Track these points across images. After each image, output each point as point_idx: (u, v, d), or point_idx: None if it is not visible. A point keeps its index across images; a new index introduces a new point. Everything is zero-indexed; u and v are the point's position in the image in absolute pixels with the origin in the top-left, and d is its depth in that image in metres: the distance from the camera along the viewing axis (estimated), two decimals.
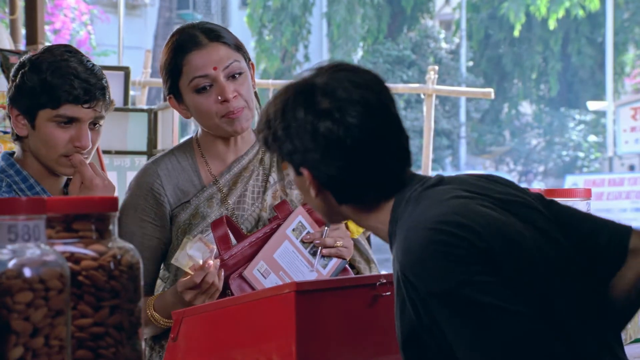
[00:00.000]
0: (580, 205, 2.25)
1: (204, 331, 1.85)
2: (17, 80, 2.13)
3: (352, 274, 2.21)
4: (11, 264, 1.10)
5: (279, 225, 2.14)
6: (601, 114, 22.31)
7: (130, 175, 4.55)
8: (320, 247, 2.13)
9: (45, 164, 2.15)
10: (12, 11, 5.35)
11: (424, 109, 6.27)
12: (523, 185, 1.68)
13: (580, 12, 19.59)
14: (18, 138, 2.17)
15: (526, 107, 25.19)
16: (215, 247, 2.05)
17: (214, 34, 2.18)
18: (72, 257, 1.25)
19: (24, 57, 2.18)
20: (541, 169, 24.49)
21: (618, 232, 1.57)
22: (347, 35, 20.74)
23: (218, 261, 2.04)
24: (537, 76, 23.63)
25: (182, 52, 2.17)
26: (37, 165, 2.16)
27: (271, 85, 5.91)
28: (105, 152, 4.38)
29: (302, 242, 2.14)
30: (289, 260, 2.12)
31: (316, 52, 22.11)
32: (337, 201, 1.56)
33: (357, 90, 1.51)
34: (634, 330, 2.34)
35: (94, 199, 1.31)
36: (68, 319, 1.17)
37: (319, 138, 1.49)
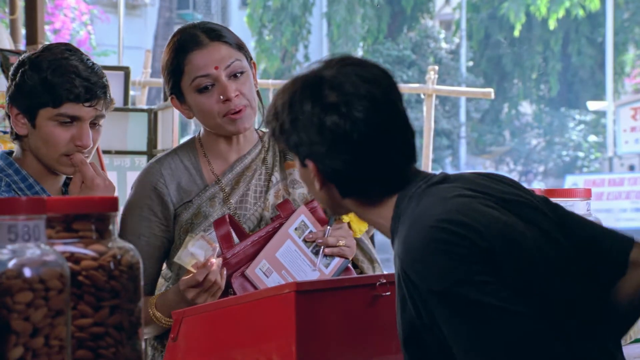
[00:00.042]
0: (580, 205, 2.25)
1: (204, 331, 1.85)
2: (17, 79, 2.12)
3: (354, 274, 2.21)
4: (11, 264, 1.10)
5: (281, 224, 2.15)
6: (601, 114, 22.30)
7: (130, 175, 4.57)
8: (322, 247, 2.14)
9: (46, 163, 2.14)
10: (12, 11, 5.35)
11: (424, 109, 6.27)
12: (523, 185, 1.67)
13: (581, 12, 19.59)
14: (17, 137, 2.16)
15: (526, 107, 25.18)
16: (217, 245, 2.05)
17: (215, 34, 2.18)
18: (72, 257, 1.25)
19: (24, 56, 2.16)
20: (541, 169, 24.48)
21: (620, 242, 1.57)
22: (347, 35, 20.74)
23: (220, 259, 2.04)
24: (537, 76, 23.62)
25: (184, 52, 2.17)
26: (36, 165, 2.15)
27: (271, 85, 5.91)
28: (105, 152, 4.39)
29: (305, 241, 2.14)
30: (292, 259, 2.12)
31: (316, 52, 22.10)
32: (340, 194, 1.56)
33: (365, 84, 1.51)
34: (634, 330, 2.34)
35: (94, 199, 1.31)
36: (68, 319, 1.17)
37: (326, 132, 1.50)
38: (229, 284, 2.07)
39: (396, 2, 22.26)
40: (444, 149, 22.38)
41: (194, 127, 8.15)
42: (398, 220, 1.52)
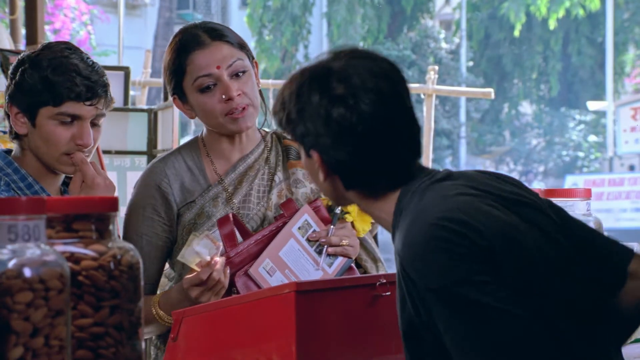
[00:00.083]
0: (580, 205, 2.25)
1: (204, 331, 1.85)
2: (17, 77, 2.10)
3: (357, 273, 2.21)
4: (11, 264, 1.10)
5: (285, 224, 2.15)
6: (601, 114, 22.30)
7: (130, 175, 4.57)
8: (326, 246, 2.14)
9: (46, 162, 2.13)
10: (12, 11, 5.35)
11: (424, 109, 6.27)
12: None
13: (581, 12, 19.58)
14: (17, 136, 2.15)
15: (526, 107, 25.18)
16: (221, 244, 2.05)
17: (217, 33, 2.18)
18: (72, 257, 1.25)
19: (23, 54, 2.15)
20: (541, 169, 24.47)
21: (619, 253, 1.57)
22: (347, 35, 20.73)
23: (224, 258, 2.04)
24: (537, 76, 23.61)
25: (186, 52, 2.17)
26: (35, 164, 2.14)
27: (271, 85, 5.91)
28: (105, 152, 4.38)
29: (308, 240, 2.14)
30: (295, 258, 2.12)
31: (316, 52, 22.03)
32: (344, 186, 1.57)
33: (373, 78, 1.51)
34: None
35: (94, 199, 1.31)
36: (68, 319, 1.17)
37: (332, 123, 1.50)
38: (232, 283, 2.07)
39: (396, 2, 22.25)
40: (444, 149, 22.37)
41: (194, 127, 8.14)
42: (400, 215, 1.52)
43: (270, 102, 3.80)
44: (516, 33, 20.19)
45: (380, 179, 1.55)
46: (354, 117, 1.49)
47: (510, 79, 23.94)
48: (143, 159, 4.64)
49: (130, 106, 5.14)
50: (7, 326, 1.09)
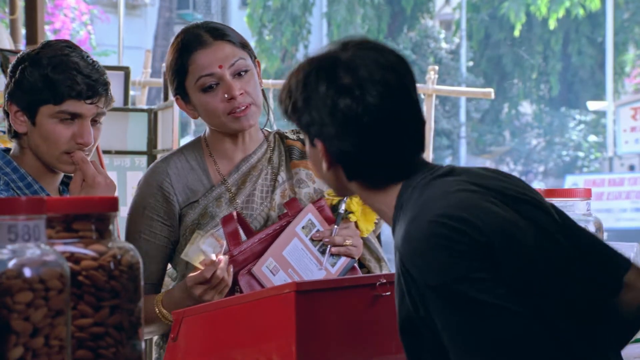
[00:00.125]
0: (580, 205, 2.25)
1: (204, 331, 1.85)
2: (17, 75, 2.09)
3: (360, 273, 2.21)
4: (11, 264, 1.10)
5: (288, 223, 2.15)
6: (601, 114, 22.29)
7: (130, 175, 4.57)
8: (329, 246, 2.14)
9: (46, 161, 2.12)
10: (12, 11, 5.35)
11: (424, 109, 6.26)
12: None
13: (581, 12, 19.58)
14: (16, 135, 2.14)
15: (526, 107, 25.18)
16: (225, 242, 2.05)
17: (219, 33, 2.19)
18: (72, 257, 1.25)
19: (23, 53, 2.14)
20: (541, 169, 24.47)
21: (617, 261, 1.57)
22: (347, 35, 20.70)
23: (227, 256, 2.04)
24: (537, 76, 23.61)
25: (188, 51, 2.17)
26: (34, 163, 2.13)
27: (271, 85, 5.90)
28: (105, 152, 4.38)
29: (312, 240, 2.14)
30: (298, 257, 2.12)
31: None
32: (347, 177, 1.57)
33: (380, 70, 1.51)
34: None
35: (94, 199, 1.31)
36: (68, 319, 1.17)
37: (337, 113, 1.50)
38: (235, 282, 2.07)
39: (396, 2, 22.25)
40: (444, 149, 22.37)
41: (194, 127, 8.14)
42: (400, 210, 1.52)
43: (271, 102, 3.79)
44: (516, 33, 20.19)
45: (383, 171, 1.55)
46: (360, 109, 1.49)
47: (510, 79, 23.93)
48: (143, 159, 4.64)
49: (130, 106, 5.14)
50: (7, 326, 1.09)
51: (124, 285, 1.27)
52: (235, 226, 2.12)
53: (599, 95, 22.52)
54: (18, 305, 1.10)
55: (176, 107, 4.41)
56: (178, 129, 4.64)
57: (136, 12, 22.87)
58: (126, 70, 4.90)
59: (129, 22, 18.01)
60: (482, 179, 1.54)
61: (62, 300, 1.14)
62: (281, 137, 2.34)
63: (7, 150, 2.19)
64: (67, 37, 13.17)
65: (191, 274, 2.03)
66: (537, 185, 21.86)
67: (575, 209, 2.22)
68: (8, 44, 4.49)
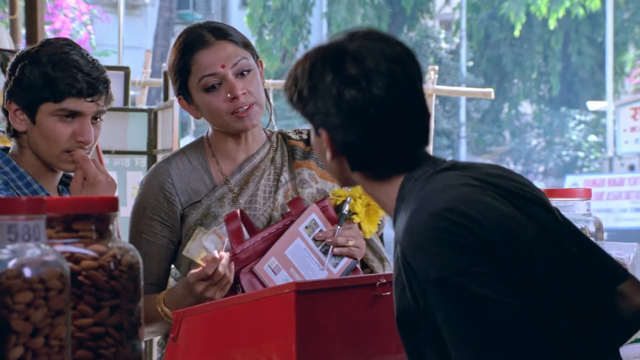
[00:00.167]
0: (580, 205, 2.25)
1: (204, 331, 1.85)
2: (16, 73, 2.07)
3: (362, 274, 2.21)
4: (11, 264, 1.10)
5: (292, 222, 2.15)
6: (601, 114, 22.30)
7: (130, 175, 4.57)
8: (332, 246, 2.14)
9: (46, 159, 2.11)
10: (12, 11, 5.35)
11: None
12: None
13: (581, 12, 19.58)
14: (15, 134, 2.13)
15: (526, 107, 25.18)
16: (227, 239, 2.05)
17: (221, 33, 2.18)
18: (72, 257, 1.25)
19: (22, 51, 2.12)
20: (541, 169, 24.47)
21: (614, 270, 1.57)
22: None
23: (229, 253, 2.04)
24: (537, 76, 23.62)
25: (190, 51, 2.17)
26: (34, 162, 2.12)
27: (271, 85, 5.90)
28: (105, 152, 4.38)
29: (314, 239, 2.14)
30: (300, 257, 2.12)
31: None
32: (350, 167, 1.57)
33: (386, 61, 1.51)
34: None
35: (94, 199, 1.31)
36: (68, 319, 1.16)
37: (343, 104, 1.50)
38: (237, 280, 2.07)
39: (396, 2, 22.25)
40: (444, 149, 22.37)
41: (194, 127, 8.15)
42: (402, 201, 1.52)
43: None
44: (516, 33, 20.20)
45: (387, 162, 1.55)
46: (366, 100, 1.49)
47: (510, 79, 23.94)
48: (143, 159, 4.64)
49: (130, 106, 5.14)
50: (7, 326, 1.09)
51: (124, 285, 1.27)
52: (239, 224, 2.11)
53: (599, 95, 22.53)
54: (18, 305, 1.09)
55: (176, 107, 4.41)
56: (178, 129, 4.64)
57: (136, 12, 22.88)
58: (126, 70, 4.90)
59: (129, 22, 18.01)
60: (484, 174, 1.54)
61: (62, 300, 1.14)
62: (284, 137, 2.34)
63: (6, 149, 2.18)
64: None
65: (193, 271, 2.03)
66: (537, 185, 21.83)
67: (575, 209, 2.22)
68: (8, 44, 4.49)
